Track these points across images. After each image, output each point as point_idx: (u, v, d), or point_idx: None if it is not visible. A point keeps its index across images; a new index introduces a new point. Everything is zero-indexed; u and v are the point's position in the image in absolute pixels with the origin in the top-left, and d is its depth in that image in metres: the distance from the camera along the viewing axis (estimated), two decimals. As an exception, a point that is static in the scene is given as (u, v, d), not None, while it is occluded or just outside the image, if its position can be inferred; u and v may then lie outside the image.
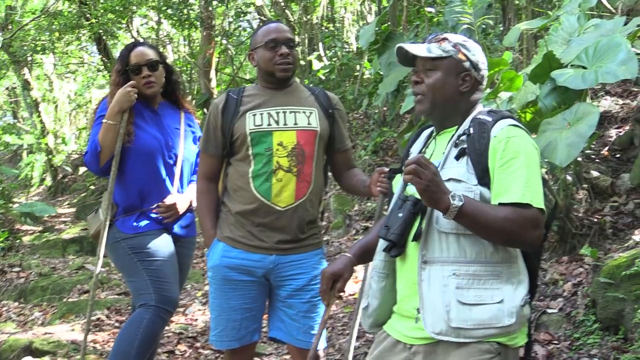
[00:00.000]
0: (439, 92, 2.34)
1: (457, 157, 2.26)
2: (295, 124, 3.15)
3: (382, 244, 2.41)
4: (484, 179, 2.22)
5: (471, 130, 2.28)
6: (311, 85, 5.49)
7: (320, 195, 3.30)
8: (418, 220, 2.26)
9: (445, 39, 2.36)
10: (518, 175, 2.17)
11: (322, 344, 3.24)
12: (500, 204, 2.17)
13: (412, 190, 2.29)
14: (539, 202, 2.17)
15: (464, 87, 2.35)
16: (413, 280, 2.26)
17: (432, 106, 2.36)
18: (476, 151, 2.23)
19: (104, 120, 3.56)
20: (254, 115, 3.14)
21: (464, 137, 2.29)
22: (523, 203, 2.14)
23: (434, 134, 2.47)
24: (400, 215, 2.26)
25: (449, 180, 2.22)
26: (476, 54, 2.37)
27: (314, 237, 3.26)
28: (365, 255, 2.58)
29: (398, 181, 2.54)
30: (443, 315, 2.16)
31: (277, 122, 3.13)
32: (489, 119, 2.29)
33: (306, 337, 3.17)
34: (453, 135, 2.34)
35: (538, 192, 2.19)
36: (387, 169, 2.87)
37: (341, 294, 2.66)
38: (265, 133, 3.11)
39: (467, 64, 2.34)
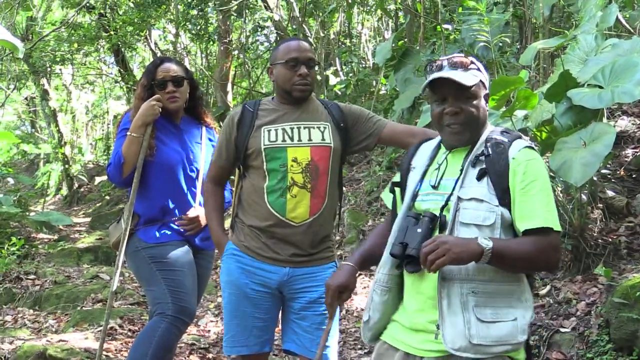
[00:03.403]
0: (480, 119, 2.36)
1: (479, 178, 2.29)
2: (310, 139, 3.16)
3: (387, 259, 2.42)
4: (504, 199, 2.26)
5: (489, 151, 2.31)
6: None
7: (335, 210, 3.32)
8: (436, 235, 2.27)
9: (471, 61, 2.37)
10: (539, 200, 2.23)
11: (334, 357, 3.24)
12: (525, 229, 2.22)
13: (423, 205, 2.34)
14: (558, 225, 2.24)
15: (486, 106, 2.40)
16: (429, 295, 2.29)
17: (471, 135, 2.37)
18: (496, 172, 2.27)
19: (128, 133, 3.61)
20: (269, 130, 3.16)
21: (481, 158, 2.31)
22: (546, 227, 2.20)
23: (442, 150, 2.47)
24: (419, 231, 2.27)
25: (470, 199, 2.26)
26: (486, 72, 2.42)
27: (328, 251, 3.27)
28: (365, 264, 2.61)
29: (399, 195, 2.55)
30: (464, 331, 2.20)
31: (291, 138, 3.15)
32: (505, 139, 2.33)
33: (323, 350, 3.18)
34: (468, 154, 2.36)
35: (556, 215, 2.26)
36: None
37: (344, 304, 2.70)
38: (279, 149, 3.13)
39: (487, 84, 2.40)
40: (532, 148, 2.33)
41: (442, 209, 2.31)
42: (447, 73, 2.32)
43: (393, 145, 3.30)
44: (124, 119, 3.78)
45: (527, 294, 2.32)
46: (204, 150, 3.82)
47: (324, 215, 3.18)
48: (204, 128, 3.92)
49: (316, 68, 3.28)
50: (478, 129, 2.37)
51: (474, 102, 2.34)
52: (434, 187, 2.39)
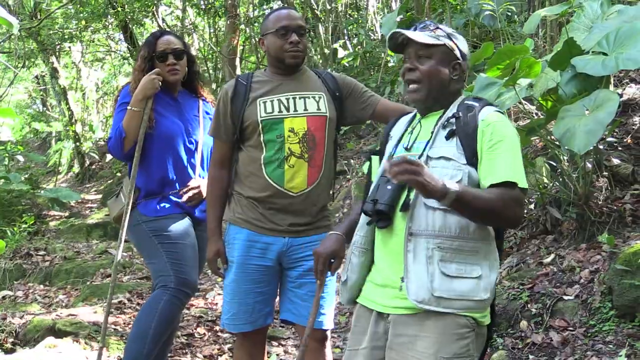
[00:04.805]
0: (434, 79, 2.43)
1: (447, 137, 2.37)
2: (306, 109, 3.17)
3: (364, 219, 2.49)
4: (472, 159, 2.34)
5: (459, 114, 2.39)
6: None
7: (331, 180, 3.32)
8: (405, 192, 2.35)
9: (438, 28, 2.45)
10: (505, 157, 2.31)
11: (329, 324, 3.26)
12: (490, 184, 2.29)
13: None
14: (523, 182, 2.31)
15: (454, 75, 2.46)
16: (397, 251, 2.34)
17: (427, 94, 2.45)
18: (465, 133, 2.35)
19: (129, 107, 3.62)
20: (265, 102, 3.16)
21: (452, 120, 2.40)
22: (510, 182, 2.27)
23: (417, 117, 2.55)
24: (389, 187, 2.34)
25: (439, 158, 2.34)
26: (464, 45, 2.50)
27: (325, 220, 3.29)
28: (351, 233, 2.62)
29: (375, 162, 2.62)
30: (427, 284, 2.25)
31: (287, 109, 3.15)
32: (476, 104, 2.42)
33: (316, 317, 3.20)
34: (440, 117, 2.44)
35: (522, 173, 2.33)
36: None
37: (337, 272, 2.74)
38: (276, 120, 3.13)
39: (457, 53, 2.46)
40: (502, 113, 2.43)
41: None
42: (404, 31, 2.43)
43: (385, 121, 3.31)
44: (122, 93, 3.80)
45: (494, 254, 2.39)
46: (202, 122, 3.84)
47: (322, 185, 3.19)
48: (200, 101, 3.94)
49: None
50: (438, 92, 2.44)
51: (430, 62, 2.42)
52: (407, 149, 2.46)
